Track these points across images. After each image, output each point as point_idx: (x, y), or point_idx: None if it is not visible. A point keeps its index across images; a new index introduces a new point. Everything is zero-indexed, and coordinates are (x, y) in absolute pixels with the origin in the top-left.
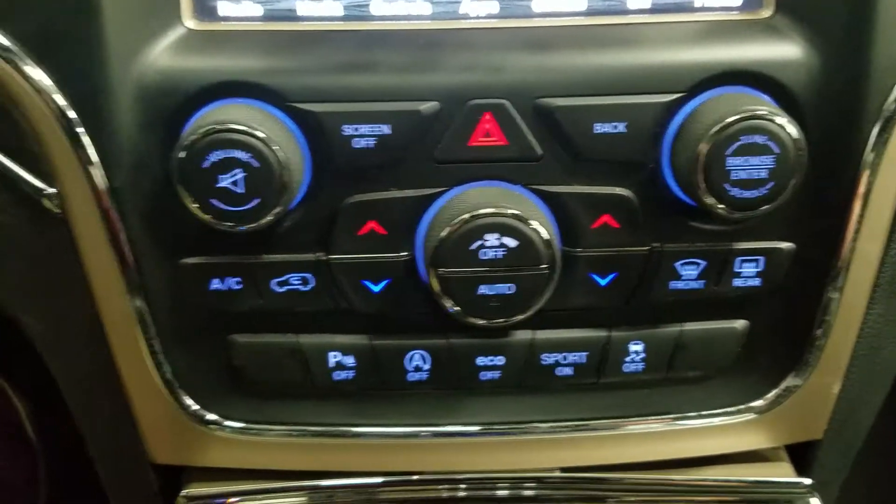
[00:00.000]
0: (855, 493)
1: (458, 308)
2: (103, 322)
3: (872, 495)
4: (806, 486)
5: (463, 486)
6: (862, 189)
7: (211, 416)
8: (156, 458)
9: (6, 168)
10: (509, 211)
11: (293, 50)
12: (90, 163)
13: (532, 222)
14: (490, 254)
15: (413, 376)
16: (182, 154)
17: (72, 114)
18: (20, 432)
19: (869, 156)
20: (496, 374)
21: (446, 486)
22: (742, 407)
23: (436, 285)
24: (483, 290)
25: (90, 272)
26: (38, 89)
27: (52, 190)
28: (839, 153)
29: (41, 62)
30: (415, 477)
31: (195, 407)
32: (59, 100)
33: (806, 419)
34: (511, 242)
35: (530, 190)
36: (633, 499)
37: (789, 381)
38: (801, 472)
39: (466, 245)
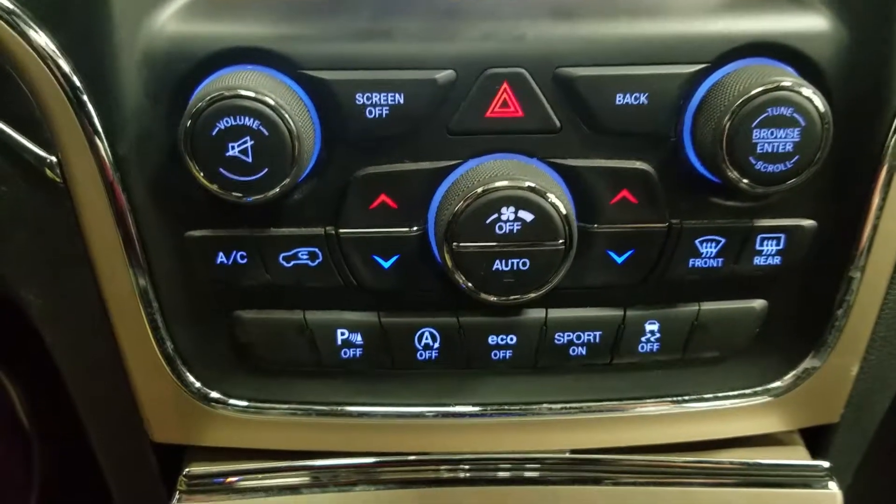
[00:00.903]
0: (867, 478)
1: (470, 284)
2: (105, 296)
3: (885, 480)
4: (824, 470)
5: (466, 466)
6: (886, 166)
7: (215, 395)
8: (157, 438)
9: (8, 136)
10: (526, 184)
11: (305, 15)
12: (94, 130)
13: (549, 196)
14: (505, 228)
15: (423, 355)
16: (190, 121)
17: (76, 80)
18: (14, 420)
19: (894, 133)
20: (508, 354)
21: (448, 467)
22: (759, 389)
23: (449, 260)
24: (497, 265)
25: (92, 244)
26: (42, 54)
27: (54, 158)
28: (863, 129)
29: (46, 26)
30: (417, 457)
31: (198, 384)
32: (64, 65)
33: (823, 402)
34: (527, 216)
35: (547, 163)
36: (641, 481)
37: (807, 363)
38: (815, 456)
39: (481, 219)
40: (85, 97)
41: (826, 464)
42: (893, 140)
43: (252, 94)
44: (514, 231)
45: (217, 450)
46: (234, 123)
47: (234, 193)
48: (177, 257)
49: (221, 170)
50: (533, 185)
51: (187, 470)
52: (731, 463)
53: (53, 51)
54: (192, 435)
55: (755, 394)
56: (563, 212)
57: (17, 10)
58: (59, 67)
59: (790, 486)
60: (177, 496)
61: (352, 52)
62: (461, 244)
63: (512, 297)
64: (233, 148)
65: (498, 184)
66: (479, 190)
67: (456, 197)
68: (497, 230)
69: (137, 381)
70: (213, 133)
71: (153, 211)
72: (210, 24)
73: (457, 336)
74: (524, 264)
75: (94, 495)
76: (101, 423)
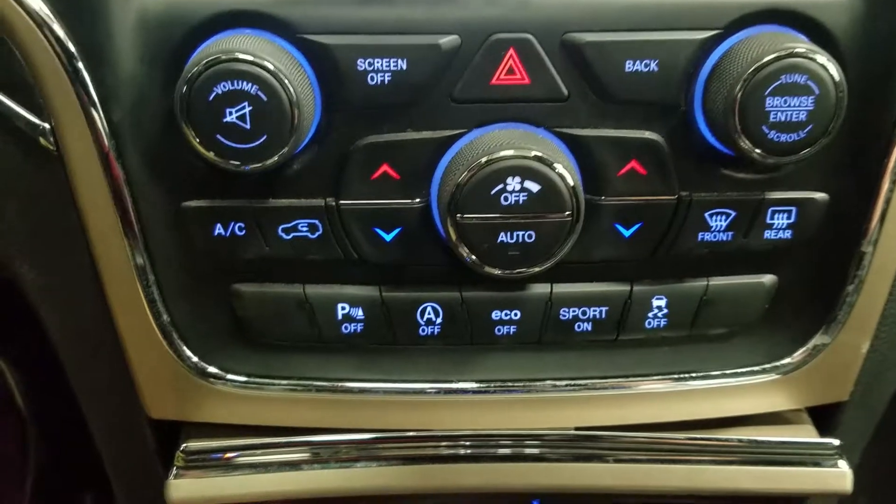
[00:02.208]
0: (876, 457)
1: (475, 257)
2: (100, 269)
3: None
4: (834, 448)
5: (467, 443)
6: None
7: (212, 370)
8: (154, 414)
9: None
10: (532, 153)
11: None
12: (89, 97)
13: (556, 166)
14: (511, 199)
15: (425, 330)
16: (185, 86)
17: (71, 45)
18: (10, 402)
19: None
20: (512, 329)
21: (450, 443)
22: (767, 366)
23: (452, 233)
24: (502, 237)
25: (86, 214)
26: (36, 19)
27: (47, 125)
28: (877, 100)
29: None
30: (416, 433)
31: (195, 359)
32: (58, 30)
33: (832, 380)
34: (533, 187)
35: (554, 133)
36: (646, 458)
37: (817, 340)
38: (822, 435)
39: (486, 189)
40: (79, 63)
41: (836, 441)
42: None
43: (250, 58)
44: (520, 202)
45: (215, 426)
46: (231, 88)
47: (231, 161)
48: (173, 228)
49: (218, 136)
50: (539, 154)
51: (184, 446)
52: (739, 440)
53: (48, 15)
54: (189, 411)
55: (763, 371)
56: (570, 183)
57: None
58: (52, 32)
59: (799, 464)
60: (174, 472)
61: (353, 16)
62: (465, 216)
63: (517, 271)
64: (230, 114)
65: (503, 153)
66: (484, 160)
67: (460, 167)
68: (502, 201)
69: (133, 356)
70: (210, 98)
71: (149, 180)
72: None
73: (460, 311)
74: (530, 237)
75: (91, 477)
76: (97, 399)
